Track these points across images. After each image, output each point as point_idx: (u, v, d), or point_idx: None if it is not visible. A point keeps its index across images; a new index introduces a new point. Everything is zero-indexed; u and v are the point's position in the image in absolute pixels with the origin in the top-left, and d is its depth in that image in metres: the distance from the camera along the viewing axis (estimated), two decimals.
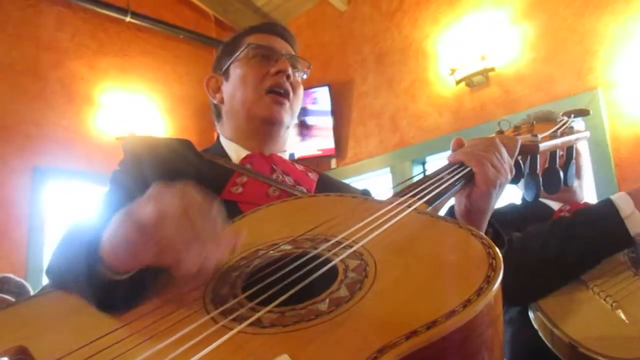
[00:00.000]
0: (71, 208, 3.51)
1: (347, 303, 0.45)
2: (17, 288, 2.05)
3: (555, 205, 1.47)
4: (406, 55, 3.65)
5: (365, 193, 1.08)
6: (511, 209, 1.51)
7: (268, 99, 1.01)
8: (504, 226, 1.33)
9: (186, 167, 0.93)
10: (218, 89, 1.10)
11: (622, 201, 1.12)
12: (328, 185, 1.04)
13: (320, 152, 4.00)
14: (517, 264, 1.16)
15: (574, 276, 1.13)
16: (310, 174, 1.04)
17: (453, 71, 3.24)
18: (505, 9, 3.12)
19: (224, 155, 1.02)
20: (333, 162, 4.03)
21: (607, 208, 1.13)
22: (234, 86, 1.05)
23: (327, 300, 0.45)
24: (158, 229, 0.47)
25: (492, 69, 3.12)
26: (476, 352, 0.42)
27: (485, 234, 0.82)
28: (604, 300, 1.06)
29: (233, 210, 0.82)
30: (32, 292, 2.02)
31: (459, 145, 0.83)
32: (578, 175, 1.48)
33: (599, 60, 2.71)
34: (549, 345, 1.06)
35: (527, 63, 3.02)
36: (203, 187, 0.88)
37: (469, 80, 3.20)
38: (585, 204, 1.47)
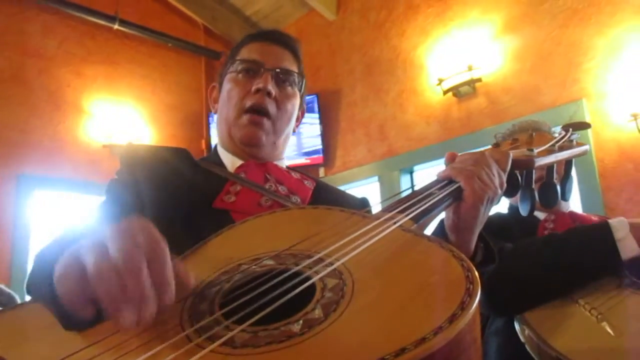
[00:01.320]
0: (57, 217, 3.47)
1: (319, 325, 0.44)
2: (7, 299, 2.02)
3: (540, 214, 1.48)
4: (394, 66, 3.68)
5: (364, 202, 1.07)
6: (497, 218, 1.52)
7: (245, 119, 0.98)
8: (490, 235, 1.34)
9: (181, 177, 0.92)
10: (217, 99, 1.09)
11: (618, 225, 1.12)
12: (325, 194, 1.03)
13: (308, 161, 4.01)
14: (506, 277, 1.16)
15: (562, 293, 1.13)
16: (306, 182, 1.02)
17: (440, 81, 3.27)
18: (492, 21, 3.17)
19: (220, 163, 1.01)
20: (321, 171, 4.04)
21: (602, 230, 1.13)
22: (222, 101, 1.05)
23: (301, 322, 0.45)
24: (97, 281, 0.45)
25: (479, 80, 3.16)
26: None
27: (476, 248, 0.82)
28: (589, 312, 1.06)
29: (225, 219, 0.81)
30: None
31: (452, 159, 0.83)
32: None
33: (583, 72, 2.75)
34: (535, 358, 1.06)
35: (513, 74, 3.06)
36: (198, 195, 0.89)
37: (456, 91, 3.24)
38: (571, 213, 1.48)
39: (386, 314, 0.45)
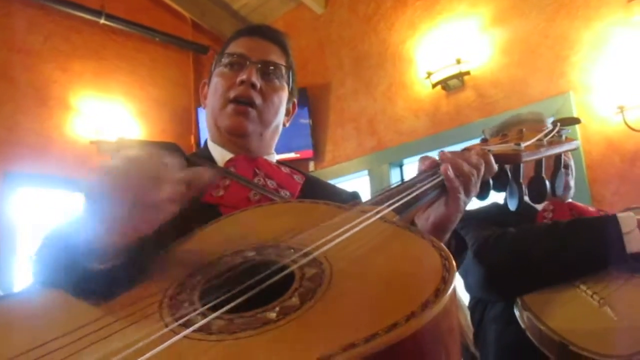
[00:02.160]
0: (44, 214, 3.44)
1: (295, 312, 0.45)
2: None
3: (539, 205, 1.49)
4: (383, 59, 3.68)
5: (355, 196, 1.08)
6: (494, 208, 1.52)
7: (230, 109, 1.00)
8: (489, 224, 1.35)
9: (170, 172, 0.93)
10: (207, 96, 1.10)
11: (626, 219, 1.15)
12: (314, 188, 1.04)
13: (298, 155, 4.01)
14: (511, 258, 1.18)
15: (563, 280, 1.14)
16: (295, 177, 1.03)
17: (429, 75, 3.28)
18: (480, 14, 3.17)
19: (210, 158, 1.02)
20: (311, 165, 4.04)
21: (610, 221, 1.16)
22: (210, 95, 1.06)
23: (277, 309, 0.46)
24: (127, 179, 0.55)
25: (468, 73, 3.17)
26: None
27: (449, 242, 0.82)
28: (591, 297, 1.07)
29: (213, 213, 0.82)
30: None
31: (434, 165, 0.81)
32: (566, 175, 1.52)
33: (570, 65, 2.77)
34: (536, 343, 1.07)
35: (501, 67, 3.07)
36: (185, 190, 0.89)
37: (445, 84, 3.24)
38: (570, 204, 1.48)
39: (360, 301, 0.46)
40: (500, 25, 3.08)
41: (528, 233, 1.24)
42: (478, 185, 0.80)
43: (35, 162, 3.45)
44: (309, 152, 4.00)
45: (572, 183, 1.53)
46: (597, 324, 1.03)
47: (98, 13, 3.87)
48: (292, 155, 3.99)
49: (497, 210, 1.50)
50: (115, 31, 4.06)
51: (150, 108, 4.18)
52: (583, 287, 1.10)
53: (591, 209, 1.52)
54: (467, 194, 0.77)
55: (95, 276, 0.55)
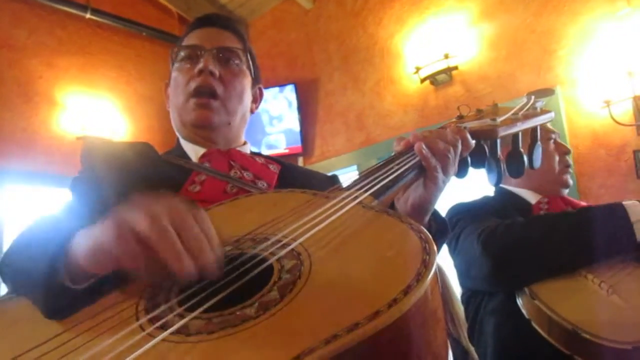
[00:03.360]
0: (30, 211, 3.40)
1: (275, 307, 0.43)
2: None
3: (532, 198, 1.49)
4: (371, 54, 3.68)
5: (334, 179, 1.07)
6: (488, 201, 1.52)
7: (192, 103, 0.98)
8: (485, 215, 1.35)
9: (144, 172, 0.91)
10: (169, 97, 1.09)
11: (633, 207, 1.16)
12: (291, 176, 1.03)
13: (287, 151, 4.00)
14: (518, 247, 1.18)
15: (571, 268, 1.15)
16: (271, 166, 1.02)
17: (418, 70, 3.28)
18: (467, 9, 3.18)
19: (184, 155, 1.01)
20: (300, 160, 4.03)
21: (617, 210, 1.16)
22: (171, 92, 1.06)
23: (257, 304, 0.44)
24: (159, 240, 0.47)
25: (456, 68, 3.18)
26: (405, 353, 0.41)
27: (429, 224, 0.81)
28: (599, 286, 1.08)
29: None
30: None
31: (410, 145, 0.80)
32: (564, 172, 1.53)
33: (557, 59, 2.79)
34: (543, 333, 1.07)
35: (489, 62, 3.08)
36: (162, 188, 0.87)
37: (433, 79, 3.25)
38: (563, 198, 1.49)
39: (341, 291, 0.45)
40: (488, 20, 3.09)
41: (538, 222, 1.24)
42: (456, 163, 0.78)
43: (22, 158, 3.41)
44: (297, 148, 4.00)
45: (570, 181, 1.54)
46: (607, 312, 1.03)
47: (84, 7, 3.82)
48: (281, 150, 3.99)
49: (495, 202, 1.51)
50: (101, 26, 4.00)
51: (137, 103, 4.14)
52: (590, 275, 1.10)
53: (583, 203, 1.53)
54: (446, 173, 0.76)
55: (64, 294, 0.52)
